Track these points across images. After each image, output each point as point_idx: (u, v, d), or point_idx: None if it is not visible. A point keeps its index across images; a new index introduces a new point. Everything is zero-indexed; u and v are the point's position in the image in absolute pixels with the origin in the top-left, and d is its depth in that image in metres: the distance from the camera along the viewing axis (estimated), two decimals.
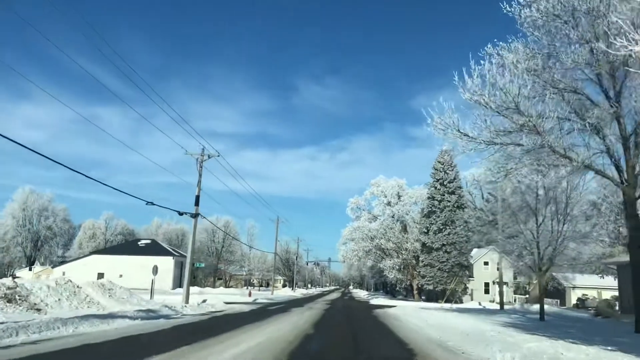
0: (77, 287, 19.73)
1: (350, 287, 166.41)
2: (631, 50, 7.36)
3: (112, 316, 15.97)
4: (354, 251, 56.07)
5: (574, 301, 45.33)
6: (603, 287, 44.03)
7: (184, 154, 29.01)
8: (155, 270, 30.11)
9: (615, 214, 30.30)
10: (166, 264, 58.01)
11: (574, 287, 46.91)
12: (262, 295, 50.08)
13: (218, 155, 29.42)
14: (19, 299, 16.15)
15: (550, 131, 15.39)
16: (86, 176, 21.66)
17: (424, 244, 46.61)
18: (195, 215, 28.58)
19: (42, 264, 75.95)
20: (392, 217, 54.03)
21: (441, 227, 44.68)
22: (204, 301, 29.12)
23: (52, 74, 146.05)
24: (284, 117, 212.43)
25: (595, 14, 14.58)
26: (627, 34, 7.34)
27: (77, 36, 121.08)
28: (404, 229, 53.72)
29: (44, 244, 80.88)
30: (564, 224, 21.30)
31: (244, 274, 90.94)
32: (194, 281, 66.25)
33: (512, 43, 16.85)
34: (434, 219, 45.24)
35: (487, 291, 54.21)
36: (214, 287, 71.03)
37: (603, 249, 29.96)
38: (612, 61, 14.48)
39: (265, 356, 10.11)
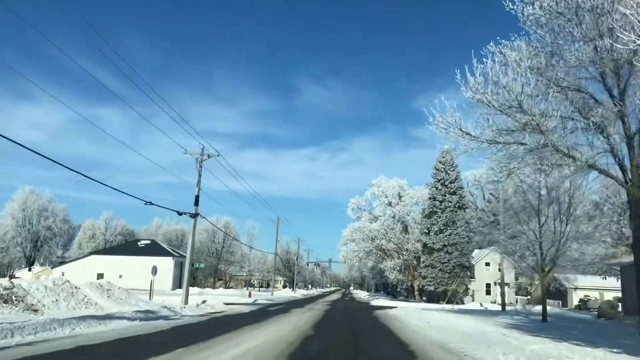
0: (75, 287, 19.55)
1: (351, 288, 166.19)
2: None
3: (109, 317, 15.79)
4: (354, 252, 55.88)
5: (575, 302, 45.10)
6: (605, 288, 43.80)
7: (184, 153, 28.89)
8: (154, 270, 29.93)
9: (618, 214, 30.12)
10: (166, 264, 57.84)
11: (575, 288, 46.68)
12: (262, 296, 49.90)
13: (218, 155, 29.29)
14: (16, 300, 15.97)
15: (554, 130, 15.18)
16: (85, 176, 21.55)
17: (425, 245, 46.39)
18: (194, 215, 28.41)
19: (42, 265, 75.84)
20: (393, 217, 53.84)
21: (442, 228, 44.46)
22: (204, 302, 28.95)
23: (52, 74, 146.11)
24: (284, 118, 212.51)
25: (599, 11, 14.38)
26: (635, 28, 7.14)
27: (77, 36, 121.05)
28: (405, 230, 53.52)
29: (44, 244, 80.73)
30: (566, 224, 21.10)
31: (244, 274, 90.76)
32: (193, 282, 66.07)
33: (515, 41, 16.63)
34: (435, 220, 45.03)
35: (488, 292, 53.99)
36: (214, 287, 70.85)
37: (606, 250, 29.77)
38: (617, 59, 14.27)
39: (264, 357, 9.96)
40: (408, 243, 51.55)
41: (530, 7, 16.04)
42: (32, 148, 14.67)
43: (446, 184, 45.40)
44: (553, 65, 15.98)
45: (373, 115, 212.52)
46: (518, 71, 15.15)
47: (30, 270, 70.44)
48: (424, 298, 51.92)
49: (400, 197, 54.52)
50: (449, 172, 45.69)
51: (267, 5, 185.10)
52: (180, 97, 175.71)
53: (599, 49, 14.73)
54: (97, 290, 20.93)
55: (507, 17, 16.04)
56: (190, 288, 41.65)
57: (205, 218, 33.66)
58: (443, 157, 46.07)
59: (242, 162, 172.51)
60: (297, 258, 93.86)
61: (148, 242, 69.00)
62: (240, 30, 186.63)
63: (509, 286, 47.67)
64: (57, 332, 12.32)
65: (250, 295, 45.76)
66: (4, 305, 15.55)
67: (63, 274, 55.66)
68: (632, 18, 8.13)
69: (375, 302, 50.99)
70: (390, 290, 79.58)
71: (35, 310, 15.92)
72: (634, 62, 14.61)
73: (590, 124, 15.19)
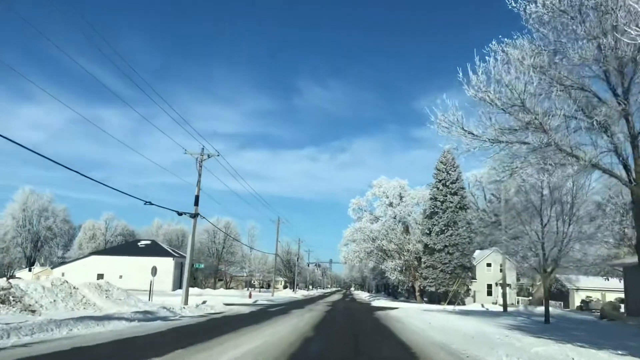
0: (74, 288, 19.40)
1: (352, 288, 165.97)
2: None
3: (108, 318, 15.64)
4: (355, 252, 55.72)
5: (577, 303, 44.89)
6: (607, 289, 43.57)
7: (184, 153, 28.77)
8: (154, 271, 29.78)
9: (621, 215, 29.98)
10: (166, 265, 57.70)
11: (577, 289, 46.46)
12: (262, 297, 49.73)
13: (218, 155, 29.17)
14: (13, 300, 15.82)
15: (557, 129, 15.02)
16: (85, 176, 21.34)
17: (426, 245, 46.22)
18: (194, 216, 28.27)
19: (42, 265, 75.75)
20: (394, 218, 53.68)
21: (443, 228, 44.28)
22: (204, 302, 28.80)
23: (53, 74, 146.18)
24: (284, 118, 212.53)
25: (603, 9, 14.21)
26: None
27: (77, 36, 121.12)
28: (406, 230, 53.35)
29: (44, 244, 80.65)
30: (569, 225, 20.91)
31: (245, 275, 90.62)
32: (194, 282, 65.97)
33: (517, 39, 16.47)
34: (436, 220, 44.85)
35: (489, 293, 53.76)
36: (214, 288, 70.70)
37: (608, 251, 29.59)
38: (621, 57, 14.09)
39: (264, 358, 9.82)
40: (409, 244, 51.38)
41: (533, 5, 15.87)
42: (32, 148, 14.58)
43: (447, 184, 45.23)
44: (556, 64, 15.81)
45: (374, 115, 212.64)
46: (521, 69, 14.98)
47: (30, 270, 70.35)
48: (425, 299, 51.73)
49: (401, 197, 54.36)
50: (450, 172, 45.52)
51: (267, 6, 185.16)
52: (180, 98, 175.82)
53: (602, 47, 14.57)
54: (95, 290, 20.78)
55: (508, 17, 15.92)
56: (191, 289, 41.50)
57: (206, 218, 33.53)
58: (444, 158, 45.91)
59: (243, 162, 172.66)
60: (297, 259, 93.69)
61: (148, 242, 68.87)
62: (241, 30, 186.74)
63: (510, 287, 47.44)
64: (54, 333, 12.18)
65: (250, 296, 45.60)
66: (0, 305, 15.41)
67: (63, 275, 55.55)
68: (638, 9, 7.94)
69: (376, 302, 50.80)
70: (391, 291, 79.39)
71: (33, 311, 15.77)
72: (639, 60, 14.42)
73: (594, 122, 15.01)
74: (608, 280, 39.87)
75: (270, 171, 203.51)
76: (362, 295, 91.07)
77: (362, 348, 12.72)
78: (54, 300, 17.61)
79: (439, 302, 45.02)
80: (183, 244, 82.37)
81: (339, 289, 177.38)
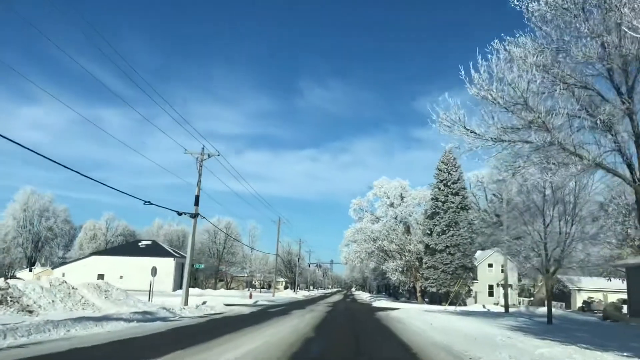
0: (72, 288, 19.26)
1: (353, 289, 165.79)
2: None
3: (106, 318, 15.50)
4: (356, 253, 55.53)
5: (579, 304, 44.70)
6: (609, 290, 43.37)
7: (184, 153, 28.65)
8: (154, 271, 29.65)
9: (623, 215, 29.77)
10: (167, 265, 57.60)
11: (579, 290, 46.27)
12: (263, 297, 49.58)
13: (218, 155, 29.06)
14: (10, 301, 15.68)
15: (560, 128, 14.87)
16: (85, 176, 21.23)
17: (427, 246, 46.03)
18: (194, 216, 28.14)
19: (43, 265, 75.68)
20: (395, 218, 53.50)
21: (445, 229, 44.09)
22: (204, 303, 28.66)
23: (53, 75, 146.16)
24: (285, 118, 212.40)
25: (607, 6, 14.04)
26: None
27: (78, 36, 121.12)
28: (407, 231, 53.17)
29: (45, 244, 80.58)
30: (572, 225, 20.74)
31: (246, 275, 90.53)
32: (194, 283, 65.85)
33: (520, 38, 16.32)
34: (438, 221, 44.67)
35: (491, 294, 53.61)
36: (215, 288, 70.59)
37: (610, 251, 29.39)
38: (625, 55, 13.91)
39: (264, 359, 9.69)
40: (410, 244, 51.19)
41: (535, 3, 15.71)
42: (33, 149, 14.48)
43: (449, 184, 45.05)
44: (559, 62, 15.66)
45: (374, 116, 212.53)
46: (523, 67, 14.84)
47: (31, 271, 70.26)
48: (426, 299, 51.54)
49: (402, 197, 54.19)
50: (451, 172, 45.34)
51: (267, 5, 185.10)
52: (181, 98, 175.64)
53: (606, 44, 14.41)
54: (94, 291, 20.64)
55: (509, 16, 15.75)
56: (191, 289, 41.35)
57: (206, 218, 33.43)
58: (445, 158, 45.74)
59: (244, 162, 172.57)
60: (298, 259, 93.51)
61: (149, 242, 68.77)
62: (242, 32, 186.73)
63: (511, 288, 47.29)
64: (51, 334, 12.04)
65: (251, 297, 45.44)
66: None
67: (64, 275, 55.49)
68: None
69: (377, 303, 50.62)
70: (392, 291, 79.19)
71: (31, 312, 15.63)
72: None
73: (598, 121, 14.85)
74: (610, 280, 39.68)
75: (271, 172, 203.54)
76: (363, 296, 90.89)
77: (363, 349, 12.59)
78: (53, 301, 17.47)
79: (440, 303, 44.84)
80: (184, 244, 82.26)
81: (340, 289, 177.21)
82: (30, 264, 75.82)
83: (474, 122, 15.17)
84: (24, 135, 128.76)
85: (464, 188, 47.24)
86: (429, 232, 45.53)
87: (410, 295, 60.43)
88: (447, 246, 43.77)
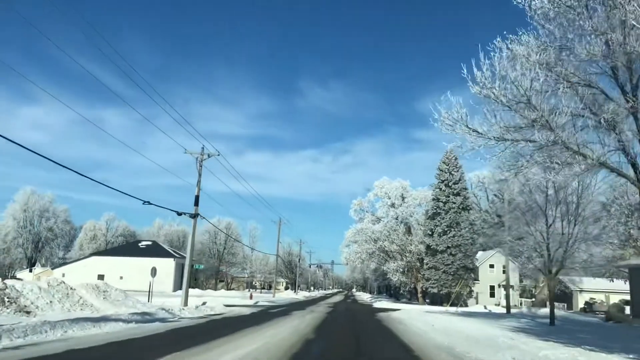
0: (71, 288, 19.10)
1: (354, 289, 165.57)
2: None
3: (105, 319, 15.34)
4: (357, 253, 55.32)
5: (581, 305, 44.51)
6: (611, 291, 43.20)
7: (184, 152, 28.50)
8: (153, 272, 29.50)
9: (626, 216, 29.56)
10: (167, 265, 57.47)
11: (581, 291, 46.08)
12: (263, 298, 49.40)
13: (218, 154, 28.91)
14: (8, 301, 15.52)
15: (563, 127, 14.69)
16: (85, 176, 21.07)
17: (428, 247, 45.83)
18: (194, 216, 27.98)
19: (43, 266, 75.52)
20: (396, 219, 53.30)
21: (446, 229, 43.89)
22: (204, 304, 28.50)
23: (54, 75, 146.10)
24: (286, 119, 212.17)
25: (611, 4, 13.86)
26: None
27: (78, 36, 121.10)
28: (408, 231, 52.96)
29: (45, 245, 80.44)
30: (574, 225, 20.55)
31: (246, 276, 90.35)
32: (195, 283, 65.68)
33: (523, 36, 16.16)
34: (439, 221, 44.47)
35: (492, 294, 53.37)
36: (215, 289, 70.41)
37: (613, 252, 29.19)
38: (630, 52, 13.73)
39: None
40: (411, 245, 50.99)
41: (538, 0, 15.56)
42: (33, 149, 14.38)
43: (450, 184, 44.85)
44: (562, 60, 15.49)
45: (375, 117, 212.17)
46: (526, 66, 14.67)
47: (31, 271, 70.11)
48: (427, 300, 51.33)
49: (403, 198, 53.99)
50: (452, 172, 45.15)
51: (269, 8, 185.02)
52: (182, 99, 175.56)
53: (610, 42, 14.24)
54: (93, 291, 20.48)
55: (510, 16, 15.63)
56: (191, 290, 41.15)
57: (206, 219, 33.28)
58: (447, 158, 45.55)
59: (244, 163, 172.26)
60: (299, 260, 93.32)
61: (149, 243, 68.61)
62: (244, 33, 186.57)
63: (513, 289, 47.05)
64: (47, 335, 11.90)
65: (251, 297, 45.27)
66: None
67: (64, 275, 55.32)
68: None
69: (378, 304, 50.43)
70: (393, 292, 78.97)
71: (28, 312, 15.48)
72: None
73: (602, 120, 14.69)
74: (613, 281, 39.49)
75: (272, 172, 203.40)
76: (363, 297, 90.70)
77: (364, 350, 12.45)
78: (50, 301, 17.31)
79: (441, 304, 44.63)
80: (184, 244, 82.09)
81: (341, 290, 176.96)
82: (31, 265, 75.68)
83: (476, 121, 15.00)
84: (24, 135, 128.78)
85: (466, 188, 47.04)
86: (430, 233, 45.33)
87: (411, 296, 60.21)
88: (448, 247, 43.57)
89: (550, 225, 21.35)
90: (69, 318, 14.31)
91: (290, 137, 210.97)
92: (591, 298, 43.89)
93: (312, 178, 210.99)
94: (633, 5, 13.08)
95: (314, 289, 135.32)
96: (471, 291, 47.39)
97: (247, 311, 27.31)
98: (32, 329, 11.80)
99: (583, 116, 15.36)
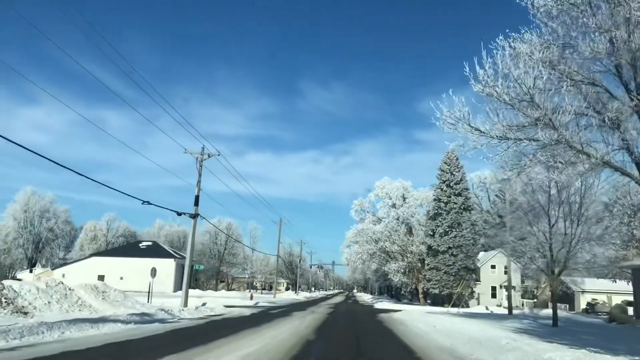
0: (69, 289, 18.94)
1: (354, 290, 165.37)
2: None
3: (103, 320, 15.18)
4: (358, 254, 55.11)
5: (583, 306, 44.29)
6: (613, 292, 42.99)
7: (184, 152, 28.35)
8: (153, 272, 29.34)
9: (629, 216, 29.36)
10: (167, 266, 57.32)
11: (583, 292, 45.86)
12: (264, 299, 49.23)
13: (218, 154, 28.75)
14: (5, 302, 15.35)
15: (566, 126, 14.52)
16: (85, 176, 20.86)
17: (429, 247, 45.64)
18: (194, 216, 27.82)
19: (44, 266, 75.38)
20: (397, 219, 53.08)
21: (447, 230, 43.70)
22: (204, 304, 28.32)
23: (54, 76, 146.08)
24: (287, 120, 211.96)
25: (615, 1, 13.68)
26: None
27: (79, 37, 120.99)
28: (409, 232, 52.75)
29: (45, 245, 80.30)
30: (577, 225, 20.36)
31: (247, 276, 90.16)
32: (195, 284, 65.51)
33: (525, 34, 16.00)
34: (440, 222, 44.28)
35: (494, 295, 53.17)
36: (216, 290, 70.26)
37: (616, 253, 29.01)
38: (634, 50, 13.56)
39: None
40: (412, 245, 50.78)
41: None
42: (33, 150, 14.28)
43: (451, 185, 44.66)
44: (565, 58, 15.33)
45: (376, 117, 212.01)
46: (530, 64, 14.51)
47: (31, 272, 69.96)
48: (428, 301, 51.13)
49: (404, 198, 53.77)
50: (454, 173, 44.96)
51: (270, 8, 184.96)
52: (182, 99, 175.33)
53: (614, 40, 14.07)
54: (92, 292, 20.31)
55: (512, 16, 15.46)
56: (192, 290, 40.97)
57: (206, 219, 33.11)
58: (448, 158, 45.38)
59: (245, 164, 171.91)
60: (300, 260, 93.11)
61: (149, 243, 68.44)
62: (245, 33, 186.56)
63: (514, 289, 46.83)
64: (44, 336, 11.75)
65: (251, 298, 45.11)
66: None
67: (64, 276, 55.20)
68: None
69: (379, 305, 50.23)
70: (394, 293, 78.75)
71: (25, 313, 15.31)
72: None
73: (605, 119, 14.52)
74: (615, 282, 39.27)
75: (273, 173, 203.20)
76: (364, 297, 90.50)
77: (364, 351, 12.30)
78: (49, 302, 17.15)
79: (442, 305, 44.43)
80: (185, 245, 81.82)
81: (342, 291, 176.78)
82: (31, 265, 75.53)
83: (478, 119, 14.84)
84: (25, 136, 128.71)
85: (467, 189, 46.84)
86: (432, 233, 45.14)
87: (413, 297, 60.00)
88: (449, 247, 43.38)
89: (553, 225, 21.16)
90: (67, 319, 14.16)
91: (290, 137, 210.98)
92: (593, 299, 43.67)
93: (313, 179, 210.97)
94: (638, 2, 12.92)
95: (315, 289, 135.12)
96: (473, 292, 47.21)
97: (247, 312, 27.15)
98: (28, 330, 11.64)
99: (587, 115, 15.18)
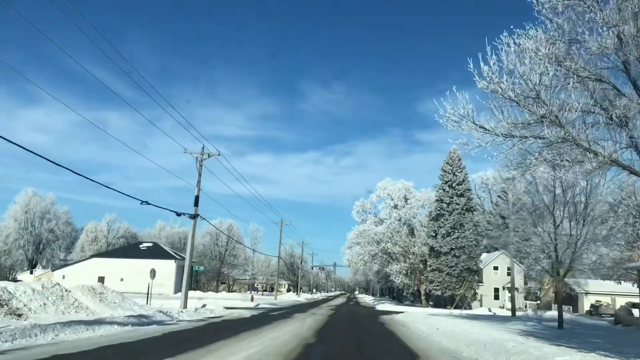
0: (66, 290, 18.62)
1: (356, 292, 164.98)
2: None
3: (99, 322, 14.87)
4: (359, 255, 54.78)
5: (586, 307, 43.87)
6: (617, 293, 42.56)
7: (183, 152, 28.08)
8: (152, 273, 29.05)
9: (634, 217, 28.98)
10: (168, 267, 57.00)
11: (586, 293, 45.40)
12: (265, 300, 48.92)
13: (218, 154, 28.47)
14: None
15: (573, 123, 14.19)
16: (85, 177, 20.54)
17: (432, 248, 45.30)
18: (194, 216, 27.51)
19: (44, 267, 75.11)
20: (399, 220, 52.73)
21: (450, 231, 43.35)
22: (203, 306, 28.02)
23: (54, 76, 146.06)
24: (288, 121, 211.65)
25: None
26: None
27: (80, 38, 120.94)
28: (411, 233, 52.40)
29: (46, 247, 79.98)
30: (583, 226, 20.00)
31: (248, 278, 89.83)
32: (196, 285, 65.14)
33: (530, 30, 15.68)
34: (442, 222, 43.94)
35: (496, 297, 52.78)
36: (216, 291, 69.87)
37: (621, 254, 28.61)
38: None
39: None
40: (414, 246, 50.43)
41: None
42: (34, 151, 14.06)
43: (454, 185, 44.33)
44: (571, 54, 15.01)
45: (377, 118, 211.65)
46: (535, 60, 14.19)
47: (32, 273, 69.66)
48: (430, 303, 50.76)
49: (406, 199, 53.43)
50: (456, 173, 44.63)
51: (271, 9, 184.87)
52: (183, 100, 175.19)
53: (622, 35, 13.74)
54: (89, 293, 20.00)
55: (516, 13, 15.14)
56: (192, 292, 40.69)
57: (206, 219, 32.84)
58: (450, 159, 45.07)
59: (246, 165, 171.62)
60: (301, 261, 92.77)
61: (150, 244, 68.08)
62: (246, 34, 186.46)
63: (518, 291, 46.45)
64: (37, 339, 11.43)
65: (252, 299, 44.79)
66: None
67: (64, 277, 54.95)
68: None
69: (381, 306, 49.87)
70: (396, 294, 78.35)
71: (20, 315, 15.00)
72: None
73: (613, 116, 14.20)
74: (620, 284, 38.84)
75: (274, 174, 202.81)
76: (366, 299, 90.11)
77: (366, 354, 12.01)
78: (44, 304, 16.84)
79: (445, 306, 44.07)
80: (186, 246, 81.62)
81: (343, 292, 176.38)
82: (31, 266, 75.24)
83: (483, 117, 14.57)
84: (26, 137, 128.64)
85: (469, 189, 46.53)
86: (434, 234, 44.81)
87: (415, 299, 59.63)
88: (452, 248, 43.04)
89: (558, 225, 20.82)
90: (62, 321, 13.85)
91: (291, 138, 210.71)
92: (597, 301, 43.25)
93: (314, 180, 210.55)
94: None
95: (316, 291, 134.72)
96: (475, 293, 46.84)
97: (247, 314, 26.84)
98: (21, 333, 11.33)
99: (593, 112, 14.85)
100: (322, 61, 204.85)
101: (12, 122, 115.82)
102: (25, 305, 15.96)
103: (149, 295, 28.12)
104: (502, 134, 14.25)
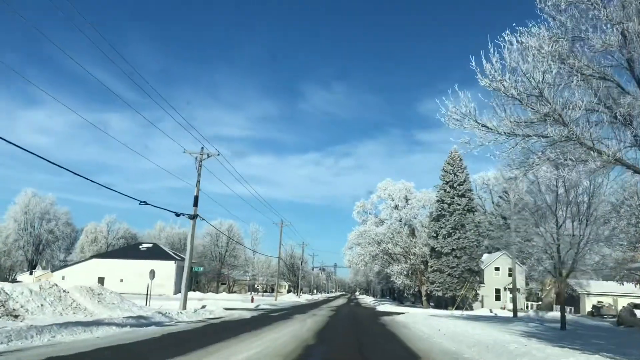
0: (63, 291, 18.45)
1: (357, 293, 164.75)
2: None
3: (97, 323, 14.70)
4: (360, 256, 54.61)
5: (588, 308, 43.68)
6: (619, 294, 42.35)
7: (183, 152, 27.92)
8: (152, 274, 28.88)
9: (636, 217, 28.79)
10: (168, 268, 56.81)
11: (588, 294, 45.19)
12: (265, 301, 48.73)
13: (218, 154, 28.31)
14: None
15: (577, 122, 14.01)
16: (85, 177, 20.36)
17: (432, 249, 45.11)
18: (193, 217, 27.34)
19: (44, 268, 74.91)
20: (400, 221, 52.56)
21: (451, 231, 43.16)
22: (203, 307, 27.86)
23: (55, 77, 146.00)
24: (289, 122, 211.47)
25: None
26: None
27: (81, 39, 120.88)
28: (412, 233, 52.22)
29: (46, 247, 79.81)
30: (586, 226, 19.81)
31: (248, 279, 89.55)
32: (196, 286, 64.95)
33: (533, 28, 15.51)
34: (444, 223, 43.75)
35: (498, 298, 52.57)
36: (217, 292, 69.67)
37: (623, 254, 28.42)
38: None
39: None
40: (415, 247, 50.24)
41: None
42: (34, 152, 13.95)
43: (455, 186, 44.15)
44: (575, 52, 14.84)
45: (377, 119, 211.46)
46: (538, 58, 14.01)
47: (31, 274, 69.47)
48: (431, 304, 50.57)
49: (407, 200, 53.26)
50: (457, 174, 44.45)
51: (272, 10, 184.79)
52: (184, 101, 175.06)
53: (626, 33, 13.57)
54: (87, 294, 19.82)
55: (519, 12, 14.95)
56: (192, 293, 40.51)
57: (205, 220, 32.67)
58: (451, 159, 44.89)
59: (247, 166, 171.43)
60: (301, 262, 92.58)
61: (150, 245, 67.88)
62: (247, 35, 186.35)
63: (519, 292, 46.25)
64: (33, 341, 11.26)
65: (252, 300, 44.61)
66: None
67: (63, 278, 54.82)
68: None
69: (382, 307, 49.67)
70: (396, 295, 78.15)
71: (16, 316, 14.83)
72: None
73: (617, 114, 14.03)
74: (622, 284, 38.62)
75: (275, 175, 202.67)
76: (367, 300, 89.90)
77: (367, 356, 11.83)
78: (42, 305, 16.66)
79: (446, 307, 43.88)
80: (185, 247, 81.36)
81: (344, 293, 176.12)
82: (31, 267, 75.06)
83: (485, 116, 14.42)
84: (26, 138, 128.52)
85: (470, 190, 46.36)
86: (435, 235, 44.62)
87: (416, 300, 59.43)
88: (453, 249, 42.85)
89: (561, 225, 20.63)
90: (59, 322, 13.68)
91: (292, 139, 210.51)
92: (599, 301, 43.06)
93: (314, 180, 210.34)
94: None
95: (317, 292, 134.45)
96: (476, 294, 46.63)
97: (247, 315, 26.68)
98: (17, 334, 11.16)
99: (597, 111, 14.67)
100: (322, 61, 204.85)
101: (12, 123, 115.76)
102: (22, 307, 15.79)
103: (148, 296, 27.95)
104: (504, 132, 14.08)
